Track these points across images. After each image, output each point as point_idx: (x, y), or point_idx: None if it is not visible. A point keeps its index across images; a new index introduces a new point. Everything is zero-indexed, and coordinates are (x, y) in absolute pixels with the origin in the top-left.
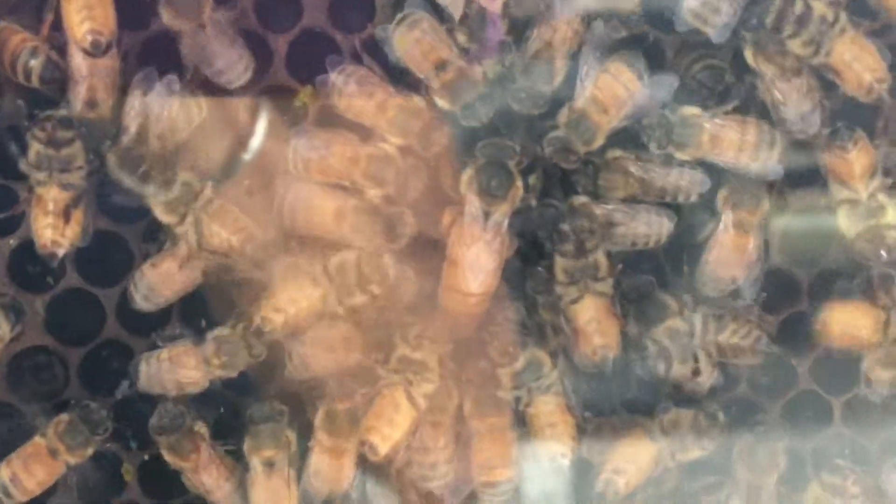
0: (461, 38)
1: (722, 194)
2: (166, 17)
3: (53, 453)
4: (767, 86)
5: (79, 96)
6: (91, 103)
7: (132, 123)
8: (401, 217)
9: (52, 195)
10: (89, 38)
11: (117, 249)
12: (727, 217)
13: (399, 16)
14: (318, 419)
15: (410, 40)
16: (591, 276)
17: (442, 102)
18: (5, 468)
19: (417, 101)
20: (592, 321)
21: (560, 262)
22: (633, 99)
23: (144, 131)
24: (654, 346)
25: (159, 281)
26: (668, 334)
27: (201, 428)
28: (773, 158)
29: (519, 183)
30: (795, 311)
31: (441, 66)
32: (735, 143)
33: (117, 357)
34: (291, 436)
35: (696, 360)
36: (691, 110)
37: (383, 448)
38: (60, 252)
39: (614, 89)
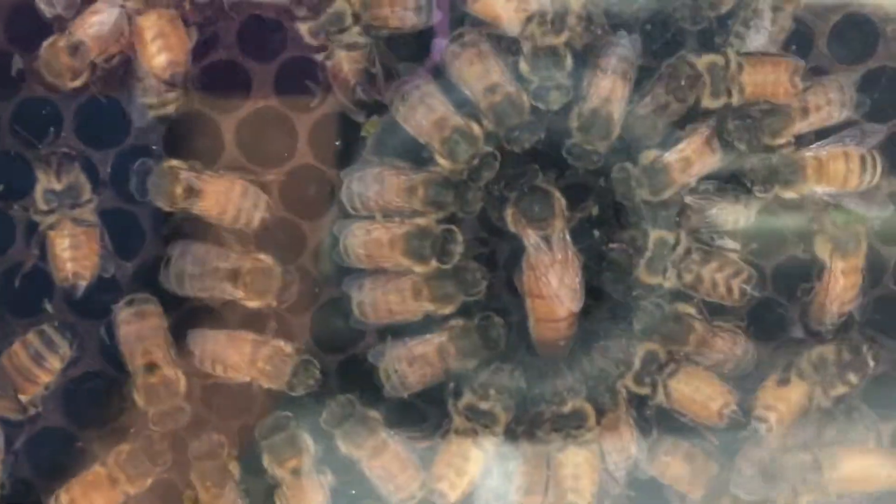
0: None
1: (826, 247)
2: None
3: (113, 482)
4: None
5: None
6: None
7: None
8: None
9: (68, 230)
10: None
11: None
12: (837, 266)
13: (454, 33)
14: None
15: (464, 61)
16: None
17: (487, 124)
18: (64, 494)
19: (476, 127)
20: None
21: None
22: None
23: None
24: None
25: None
26: (656, 241)
27: (374, 414)
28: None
29: (557, 194)
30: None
31: (491, 89)
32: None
33: None
34: (308, 440)
35: (664, 273)
36: (650, 154)
37: (453, 496)
38: (83, 284)
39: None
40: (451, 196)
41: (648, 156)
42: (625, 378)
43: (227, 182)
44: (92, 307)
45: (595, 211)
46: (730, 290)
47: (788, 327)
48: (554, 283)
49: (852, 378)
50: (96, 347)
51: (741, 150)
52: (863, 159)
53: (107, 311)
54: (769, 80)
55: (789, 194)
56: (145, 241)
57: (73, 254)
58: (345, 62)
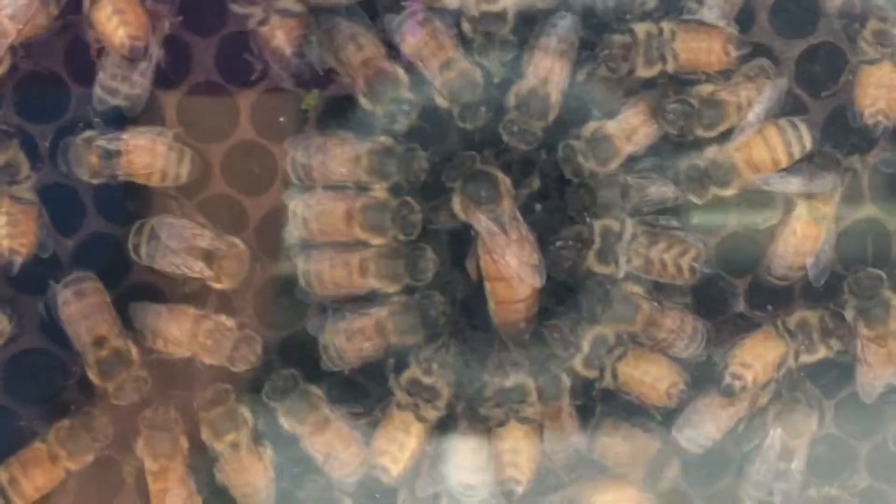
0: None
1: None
2: None
3: (54, 459)
4: None
5: None
6: None
7: None
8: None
9: (5, 208)
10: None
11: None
12: (801, 205)
13: (407, 11)
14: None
15: (419, 39)
16: None
17: (441, 101)
18: (4, 472)
19: (401, 72)
20: None
21: None
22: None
23: None
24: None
25: None
26: (601, 231)
27: (316, 390)
28: None
29: (500, 174)
30: None
31: (446, 65)
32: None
33: None
34: (246, 413)
35: (616, 262)
36: (591, 125)
37: (395, 470)
38: (19, 260)
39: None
40: (394, 166)
41: (589, 127)
42: (573, 360)
43: (148, 139)
44: (31, 283)
45: (536, 185)
46: (679, 269)
47: (731, 303)
48: (514, 263)
49: (834, 344)
50: (36, 324)
51: (672, 133)
52: (780, 129)
53: (46, 286)
54: (702, 48)
55: (729, 192)
56: (86, 217)
57: (10, 231)
58: (279, 30)
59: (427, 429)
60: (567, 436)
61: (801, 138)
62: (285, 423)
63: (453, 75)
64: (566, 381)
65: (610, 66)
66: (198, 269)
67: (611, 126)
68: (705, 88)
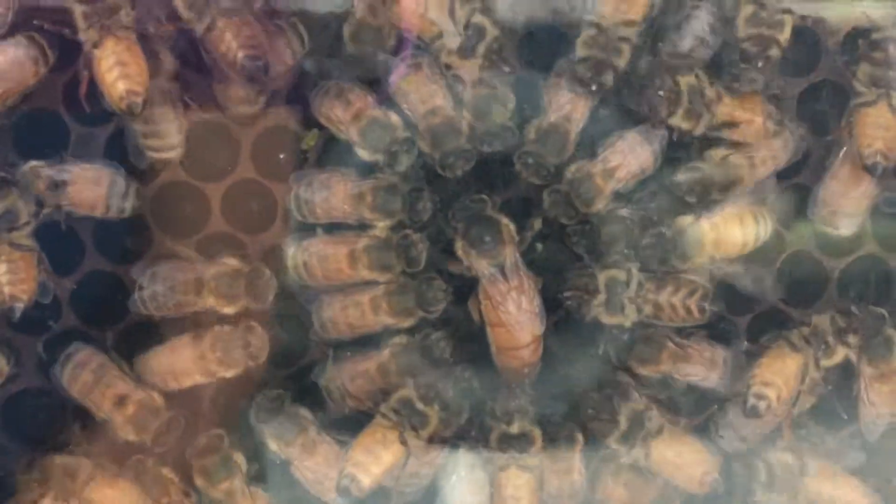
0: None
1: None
2: None
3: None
4: None
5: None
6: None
7: None
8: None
9: (4, 255)
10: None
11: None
12: (847, 148)
13: (404, 55)
14: None
15: (409, 84)
16: None
17: (423, 146)
18: None
19: (393, 116)
20: None
21: None
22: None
23: None
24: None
25: None
26: (607, 281)
27: (305, 412)
28: None
29: (506, 221)
30: None
31: (432, 111)
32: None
33: None
34: (239, 458)
35: (623, 311)
36: (573, 166)
37: (367, 483)
38: (20, 306)
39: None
40: (399, 203)
41: (571, 168)
42: (610, 437)
43: (94, 171)
44: (30, 323)
45: (538, 226)
46: (689, 310)
47: (733, 341)
48: (513, 311)
49: (852, 340)
50: (34, 364)
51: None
52: (755, 217)
53: (45, 327)
54: (745, 118)
55: (686, 266)
56: (84, 255)
57: (11, 278)
58: (228, 31)
59: (406, 453)
60: (576, 493)
61: (768, 226)
62: (272, 445)
63: (437, 121)
64: (580, 439)
65: (652, 105)
66: (192, 302)
67: (591, 166)
68: (718, 153)
